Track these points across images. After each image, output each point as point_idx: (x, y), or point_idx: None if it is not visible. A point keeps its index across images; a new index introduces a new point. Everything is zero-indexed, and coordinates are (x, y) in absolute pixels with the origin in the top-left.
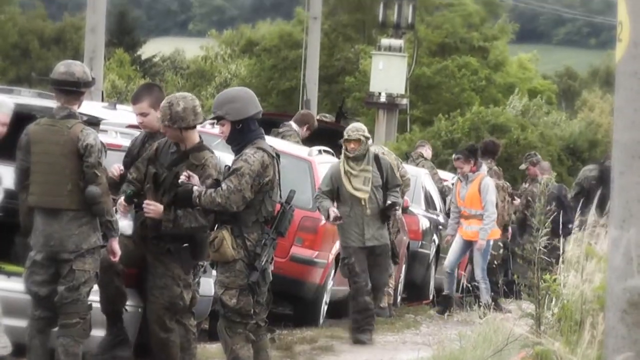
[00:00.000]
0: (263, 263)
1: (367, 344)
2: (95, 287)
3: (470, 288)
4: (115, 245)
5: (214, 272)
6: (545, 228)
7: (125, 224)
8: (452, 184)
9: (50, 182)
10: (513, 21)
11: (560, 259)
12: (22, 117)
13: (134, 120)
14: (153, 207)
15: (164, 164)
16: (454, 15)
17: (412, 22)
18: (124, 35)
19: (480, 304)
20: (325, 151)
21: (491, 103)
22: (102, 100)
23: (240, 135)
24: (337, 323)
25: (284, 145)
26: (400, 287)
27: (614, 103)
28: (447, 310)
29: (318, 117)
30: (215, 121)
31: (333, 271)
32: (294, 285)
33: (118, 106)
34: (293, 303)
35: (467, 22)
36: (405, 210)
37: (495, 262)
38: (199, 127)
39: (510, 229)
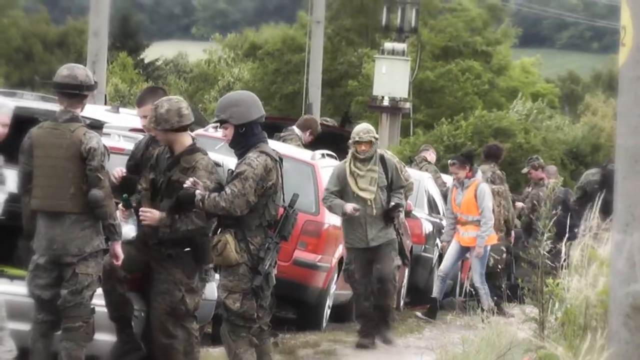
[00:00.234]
0: (267, 267)
1: (370, 348)
2: (99, 291)
3: (473, 292)
4: (118, 248)
5: (216, 276)
6: (550, 232)
7: (127, 229)
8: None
9: (52, 186)
10: (516, 25)
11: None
12: (25, 121)
13: (137, 123)
14: (149, 214)
15: (162, 170)
16: (457, 20)
17: (416, 26)
18: (127, 39)
19: (483, 308)
20: (328, 155)
21: (494, 107)
22: (105, 104)
23: (244, 139)
24: (340, 327)
25: (287, 149)
26: (404, 291)
27: (617, 107)
28: (434, 314)
29: (319, 121)
30: (218, 125)
31: (336, 275)
32: (297, 289)
33: (121, 110)
34: (296, 307)
35: (470, 26)
36: (408, 214)
37: (499, 267)
38: (201, 131)
39: (513, 232)
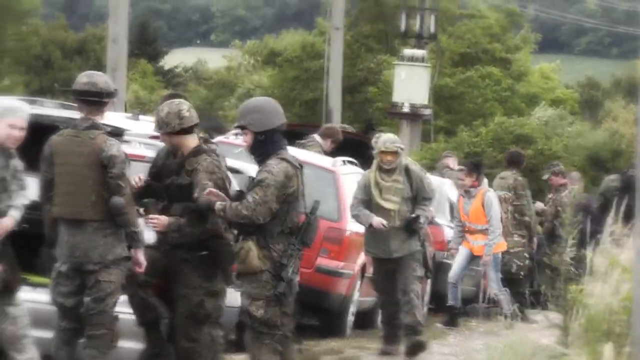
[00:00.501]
0: (289, 274)
1: (393, 354)
2: (123, 298)
3: (496, 299)
4: (141, 256)
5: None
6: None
7: (148, 234)
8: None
9: (73, 193)
10: (535, 31)
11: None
12: (45, 128)
13: None
14: (156, 221)
15: (167, 174)
16: (475, 26)
17: (435, 32)
18: (145, 46)
19: (507, 314)
20: (349, 162)
21: (515, 113)
22: (125, 111)
23: (263, 146)
24: (363, 334)
25: (309, 155)
26: (427, 298)
27: (637, 113)
28: (453, 322)
29: (339, 128)
30: (239, 131)
31: (359, 282)
32: (320, 296)
33: (141, 117)
34: (319, 314)
35: (488, 32)
36: (430, 221)
37: (521, 273)
38: (221, 138)
39: (535, 239)
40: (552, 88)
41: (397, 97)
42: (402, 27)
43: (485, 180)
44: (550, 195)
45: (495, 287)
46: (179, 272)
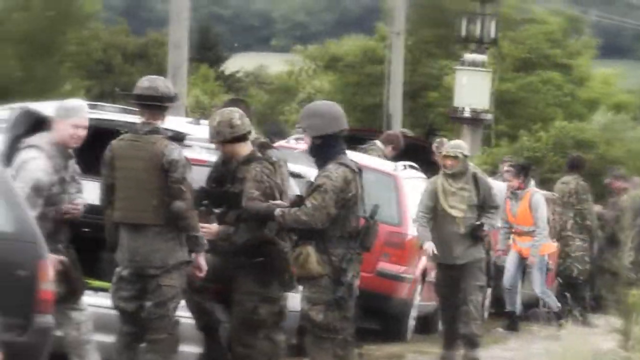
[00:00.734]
0: (349, 278)
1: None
2: (184, 302)
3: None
4: (202, 260)
5: (300, 288)
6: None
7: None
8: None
9: (135, 198)
10: (596, 37)
11: None
12: (106, 133)
13: None
14: (206, 230)
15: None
16: (536, 32)
17: (495, 37)
18: (206, 51)
19: (567, 319)
20: (410, 166)
21: (575, 118)
22: (186, 116)
23: (320, 150)
24: (424, 338)
25: (370, 160)
26: (487, 302)
27: None
28: (514, 326)
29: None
30: (300, 135)
31: (420, 286)
32: (381, 300)
33: (202, 121)
34: (380, 318)
35: (549, 37)
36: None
37: (581, 277)
38: (282, 142)
39: (597, 243)
40: (613, 93)
41: (458, 102)
42: (463, 32)
43: (532, 182)
44: (611, 200)
45: (538, 289)
46: (235, 278)
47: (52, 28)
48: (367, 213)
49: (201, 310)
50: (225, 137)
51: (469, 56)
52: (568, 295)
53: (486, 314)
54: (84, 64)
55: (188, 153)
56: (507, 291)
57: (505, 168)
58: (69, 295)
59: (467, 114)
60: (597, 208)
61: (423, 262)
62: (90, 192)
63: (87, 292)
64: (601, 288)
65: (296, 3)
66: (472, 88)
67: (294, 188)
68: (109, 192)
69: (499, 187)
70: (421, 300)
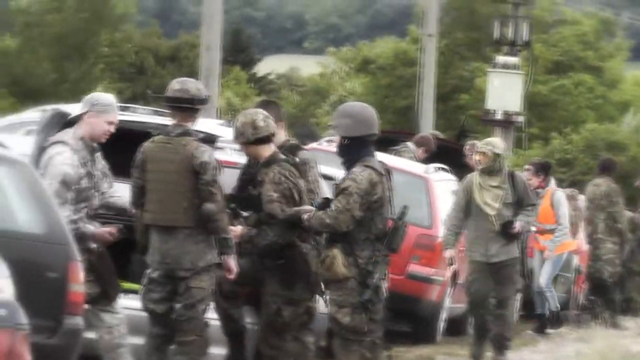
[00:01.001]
0: (375, 280)
1: None
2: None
3: (587, 305)
4: (232, 262)
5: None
6: None
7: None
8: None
9: (165, 200)
10: (628, 39)
11: None
12: (137, 135)
13: None
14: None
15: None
16: (569, 34)
17: (528, 40)
18: (238, 53)
19: (598, 321)
20: (441, 168)
21: (607, 121)
22: (218, 118)
23: (348, 151)
24: (454, 340)
25: (401, 162)
26: (518, 304)
27: None
28: (542, 329)
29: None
30: (331, 138)
31: (450, 288)
32: (411, 302)
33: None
34: (410, 320)
35: (581, 40)
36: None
37: (611, 279)
38: (313, 144)
39: (628, 246)
40: None
41: (490, 104)
42: (496, 34)
43: (553, 180)
44: None
45: (544, 282)
46: (262, 280)
47: (85, 29)
48: (397, 215)
49: (228, 316)
50: (248, 139)
51: (501, 58)
52: (593, 297)
53: (516, 316)
54: (117, 66)
55: (219, 155)
56: (537, 294)
57: (526, 167)
58: (102, 297)
59: (499, 117)
60: (628, 213)
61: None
62: (121, 194)
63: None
64: (631, 290)
65: (329, 5)
66: (504, 90)
67: (325, 190)
68: (139, 194)
69: None
70: (451, 303)
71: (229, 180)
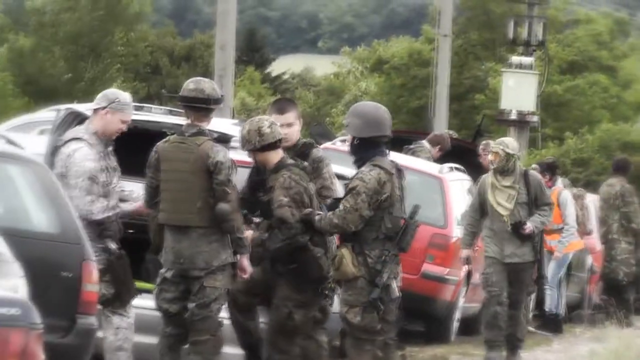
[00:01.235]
0: (384, 279)
1: None
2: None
3: (601, 305)
4: (246, 262)
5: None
6: None
7: None
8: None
9: (179, 200)
10: None
11: None
12: (152, 135)
13: None
14: None
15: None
16: (584, 34)
17: (543, 40)
18: (253, 53)
19: (612, 320)
20: (456, 168)
21: (622, 121)
22: (232, 118)
23: (358, 150)
24: (468, 340)
25: (416, 162)
26: (532, 304)
27: None
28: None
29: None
30: (345, 137)
31: (464, 288)
32: (425, 302)
33: None
34: (424, 320)
35: (596, 40)
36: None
37: (626, 279)
38: (328, 144)
39: None
40: None
41: (504, 104)
42: (510, 34)
43: (560, 180)
44: None
45: (547, 282)
46: (272, 284)
47: (100, 29)
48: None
49: (245, 330)
50: (255, 146)
51: (516, 58)
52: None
53: (530, 316)
54: (132, 65)
55: (233, 155)
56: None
57: (532, 166)
58: (116, 299)
59: (513, 117)
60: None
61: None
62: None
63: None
64: None
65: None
66: (518, 90)
67: (340, 189)
68: (153, 193)
69: None
70: (465, 302)
71: (243, 180)
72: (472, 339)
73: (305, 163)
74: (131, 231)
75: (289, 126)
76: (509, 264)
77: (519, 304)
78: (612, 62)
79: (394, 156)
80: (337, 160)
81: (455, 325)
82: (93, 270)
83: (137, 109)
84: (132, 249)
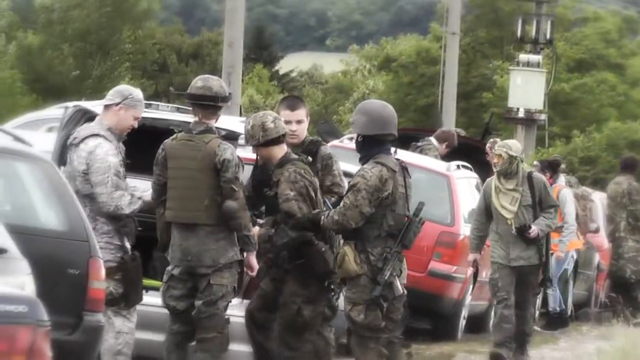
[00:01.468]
0: (386, 277)
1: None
2: (234, 301)
3: (608, 303)
4: (253, 259)
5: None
6: None
7: None
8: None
9: (187, 197)
10: None
11: None
12: (160, 132)
13: None
14: None
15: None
16: (592, 32)
17: (551, 38)
18: (261, 51)
19: (619, 318)
20: (463, 166)
21: (629, 119)
22: (240, 115)
23: (362, 147)
24: (475, 338)
25: (423, 160)
26: (539, 302)
27: None
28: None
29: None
30: (353, 135)
31: (471, 286)
32: (432, 300)
33: None
34: (431, 318)
35: (604, 38)
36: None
37: (633, 277)
38: (335, 142)
39: None
40: None
41: (512, 102)
42: (518, 32)
43: (562, 178)
44: None
45: (550, 285)
46: (280, 280)
47: (108, 26)
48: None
49: (262, 348)
50: (259, 141)
51: (523, 57)
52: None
53: (536, 314)
54: (140, 63)
55: (241, 152)
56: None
57: (534, 163)
58: (122, 299)
59: (521, 115)
60: None
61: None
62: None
63: None
64: None
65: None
66: (526, 88)
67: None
68: (161, 191)
69: None
70: (472, 300)
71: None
72: (479, 336)
73: (310, 158)
74: (139, 229)
75: (299, 123)
76: (515, 267)
77: (526, 305)
78: (620, 60)
79: (402, 154)
80: (345, 158)
81: (462, 322)
82: (100, 268)
83: (145, 106)
84: (140, 246)
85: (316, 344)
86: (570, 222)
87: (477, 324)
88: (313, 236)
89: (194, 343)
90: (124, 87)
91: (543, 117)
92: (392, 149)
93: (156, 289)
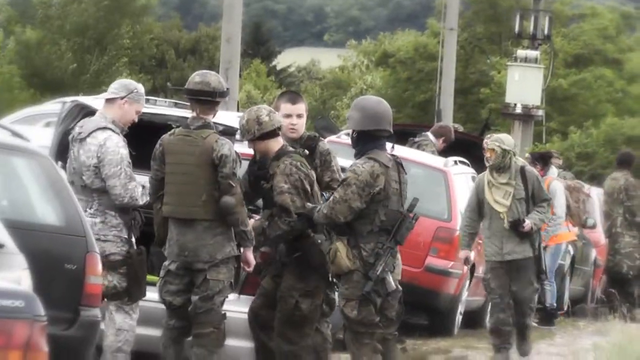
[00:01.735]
0: (378, 272)
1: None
2: (231, 296)
3: (605, 299)
4: (250, 255)
5: None
6: None
7: None
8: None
9: (184, 193)
10: None
11: None
12: (157, 127)
13: None
14: None
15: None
16: (589, 28)
17: (549, 34)
18: (259, 46)
19: (616, 314)
20: (460, 162)
21: (627, 114)
22: (238, 110)
23: (357, 143)
24: (471, 333)
25: (420, 155)
26: (536, 298)
27: None
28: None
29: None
30: (349, 131)
31: (468, 281)
32: (429, 295)
33: None
34: (428, 313)
35: (602, 33)
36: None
37: (631, 273)
38: (332, 137)
39: None
40: None
41: (509, 98)
42: (516, 28)
43: (554, 170)
44: None
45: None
46: (278, 275)
47: (106, 21)
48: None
49: (265, 348)
50: (254, 135)
51: (521, 52)
52: (614, 291)
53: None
54: (137, 58)
55: (239, 148)
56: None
57: (526, 155)
58: (125, 293)
59: (518, 110)
60: None
61: (471, 257)
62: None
63: None
64: None
65: None
66: (524, 84)
67: None
68: (158, 186)
69: None
70: (469, 295)
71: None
72: (476, 332)
73: (306, 151)
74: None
75: (299, 117)
76: (509, 262)
77: (524, 300)
78: (618, 56)
79: (399, 150)
80: (342, 153)
81: (458, 318)
82: (97, 263)
83: None
84: (137, 241)
85: (314, 340)
86: (558, 213)
87: (473, 319)
88: (309, 229)
89: (190, 338)
90: (129, 82)
91: (540, 112)
92: (390, 145)
93: (153, 284)
